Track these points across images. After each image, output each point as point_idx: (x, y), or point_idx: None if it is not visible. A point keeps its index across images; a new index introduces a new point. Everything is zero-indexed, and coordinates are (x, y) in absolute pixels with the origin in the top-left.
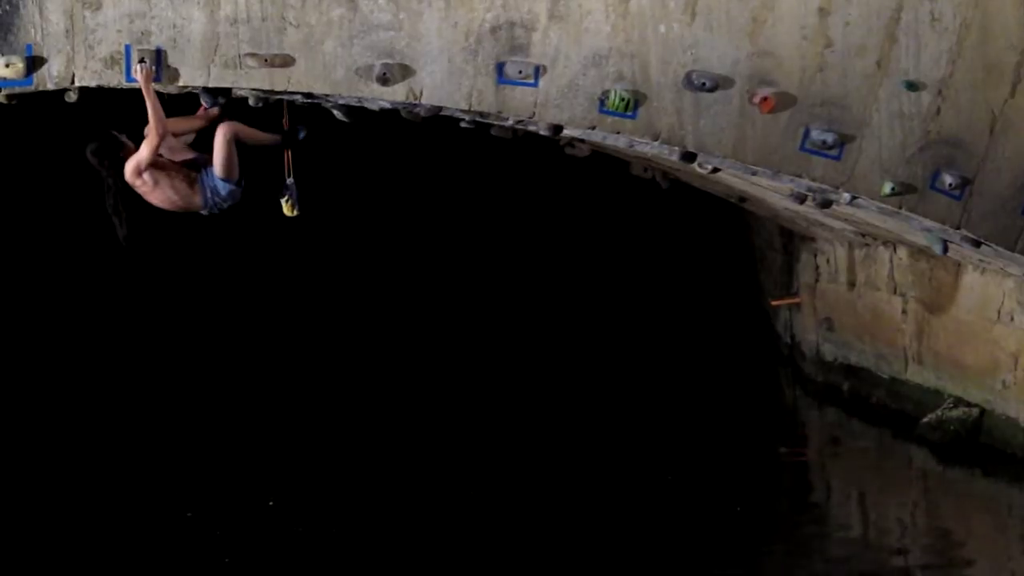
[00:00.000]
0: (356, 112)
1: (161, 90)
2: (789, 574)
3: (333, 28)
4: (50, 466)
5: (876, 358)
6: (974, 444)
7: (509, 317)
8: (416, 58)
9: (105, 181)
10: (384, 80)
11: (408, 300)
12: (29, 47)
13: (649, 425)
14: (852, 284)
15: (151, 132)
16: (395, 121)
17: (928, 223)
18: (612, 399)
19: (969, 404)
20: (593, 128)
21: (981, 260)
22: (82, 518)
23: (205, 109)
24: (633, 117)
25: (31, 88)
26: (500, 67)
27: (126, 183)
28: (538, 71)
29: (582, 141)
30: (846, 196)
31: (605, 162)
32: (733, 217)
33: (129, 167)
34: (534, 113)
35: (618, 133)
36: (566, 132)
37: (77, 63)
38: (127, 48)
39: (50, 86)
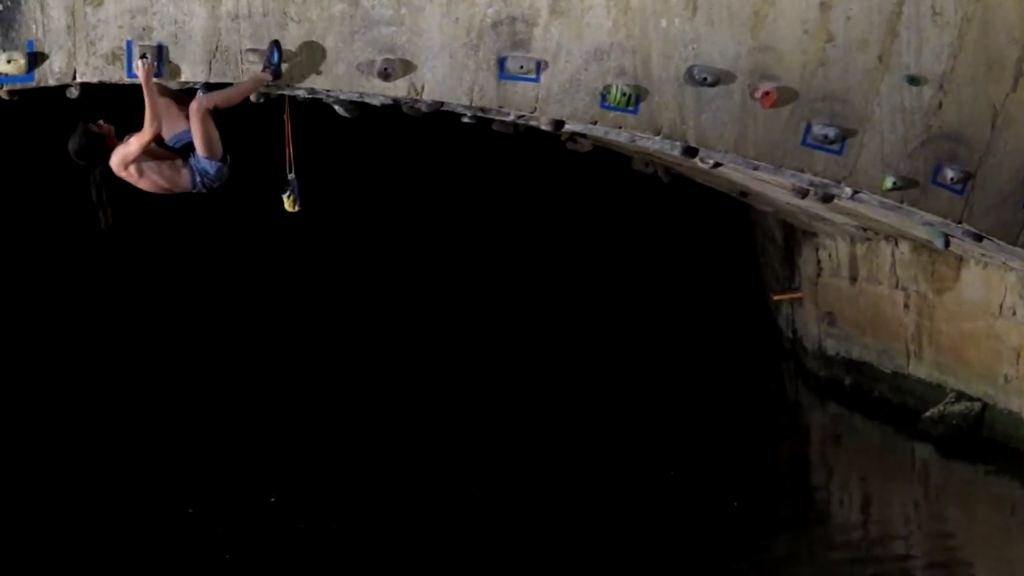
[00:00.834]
0: (358, 108)
1: (164, 85)
2: (791, 568)
3: (335, 23)
4: (50, 462)
5: (878, 353)
6: (976, 438)
7: (511, 314)
8: (417, 53)
9: (92, 174)
10: (385, 75)
11: (409, 294)
12: (31, 43)
13: (651, 420)
14: (854, 279)
15: (145, 129)
16: (396, 117)
17: (930, 217)
18: (614, 393)
19: (971, 398)
20: (595, 123)
21: (983, 254)
22: (84, 514)
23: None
24: (635, 112)
25: (33, 84)
26: (501, 62)
27: (111, 173)
28: (539, 66)
29: (584, 136)
30: (848, 191)
31: (607, 157)
32: (735, 212)
33: (115, 160)
34: (535, 108)
35: (620, 128)
36: (568, 127)
37: (79, 59)
38: (128, 44)
39: (52, 82)
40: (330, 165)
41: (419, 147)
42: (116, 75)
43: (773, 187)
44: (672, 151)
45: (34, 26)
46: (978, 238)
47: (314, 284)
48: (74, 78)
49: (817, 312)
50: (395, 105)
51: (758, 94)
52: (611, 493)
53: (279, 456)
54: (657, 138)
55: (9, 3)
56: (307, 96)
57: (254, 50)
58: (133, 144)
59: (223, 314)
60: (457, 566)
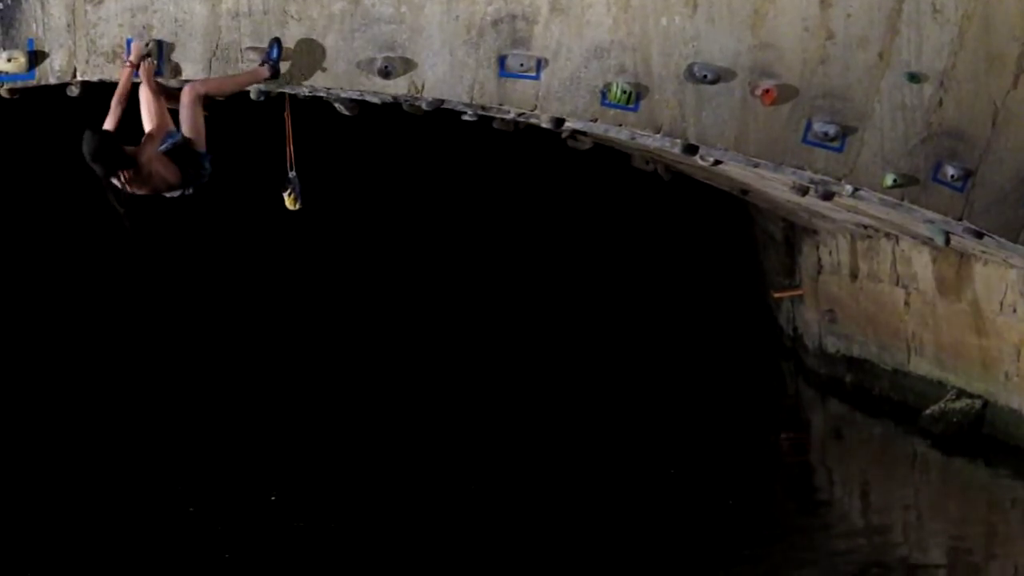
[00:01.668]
0: (358, 105)
1: (164, 83)
2: (792, 566)
3: (335, 21)
4: (52, 462)
5: (879, 350)
6: (977, 436)
7: (512, 310)
8: (418, 51)
9: (104, 179)
10: (386, 73)
11: (410, 293)
12: (31, 41)
13: (652, 418)
14: (854, 276)
15: (159, 126)
16: (397, 114)
17: (930, 215)
18: (615, 392)
19: (972, 396)
20: (595, 121)
21: (983, 252)
22: (84, 513)
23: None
24: (635, 110)
25: (33, 82)
26: (502, 60)
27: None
28: (540, 64)
29: (584, 134)
30: (848, 188)
31: (607, 155)
32: (735, 209)
33: (142, 160)
34: (536, 106)
35: (620, 126)
36: (568, 125)
37: (79, 57)
38: (129, 42)
39: (52, 80)
40: (331, 163)
41: (419, 144)
42: (117, 73)
43: (774, 184)
44: (673, 149)
45: (34, 24)
46: (979, 235)
47: (315, 283)
48: (75, 76)
49: (818, 309)
50: (396, 103)
51: (758, 91)
52: (611, 491)
53: (280, 455)
54: (657, 136)
55: (9, 1)
56: (308, 94)
57: (255, 48)
58: (153, 141)
59: (223, 313)
60: (457, 565)
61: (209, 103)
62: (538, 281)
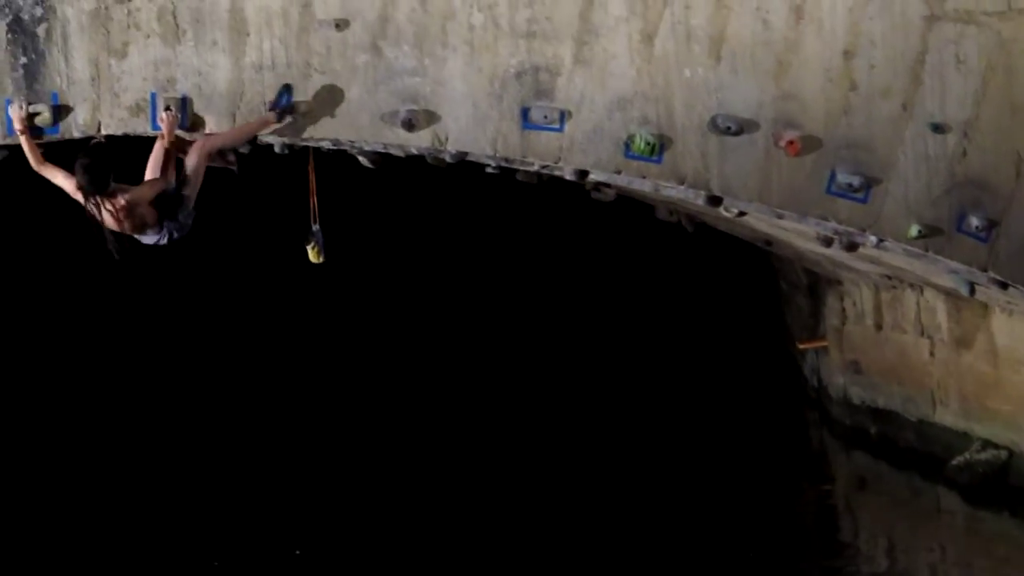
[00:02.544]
0: (381, 158)
1: (186, 137)
2: None
3: (358, 74)
4: (76, 519)
5: (903, 400)
6: (1003, 486)
7: (536, 360)
8: (441, 103)
9: (90, 200)
10: (409, 126)
11: (436, 345)
12: (55, 95)
13: (676, 467)
14: (879, 326)
15: (159, 179)
16: (420, 167)
17: (954, 265)
18: (639, 441)
19: (997, 446)
20: (619, 172)
21: (1008, 302)
22: (106, 566)
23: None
24: (658, 161)
25: (57, 136)
26: (525, 112)
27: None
28: (563, 115)
29: (608, 185)
30: (873, 239)
31: (631, 206)
32: (759, 260)
33: (126, 200)
34: (559, 158)
35: (643, 177)
36: (592, 176)
37: (103, 111)
38: (152, 96)
39: (76, 134)
40: (353, 216)
41: (442, 197)
42: (140, 127)
43: (797, 235)
44: (696, 200)
45: (58, 78)
46: (1003, 286)
47: (341, 330)
48: (99, 130)
49: (842, 360)
50: (419, 155)
51: (782, 142)
52: (636, 542)
53: (307, 507)
54: (681, 187)
55: (34, 55)
56: (331, 147)
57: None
58: (148, 190)
59: (244, 356)
60: None
61: (234, 157)
62: (563, 332)
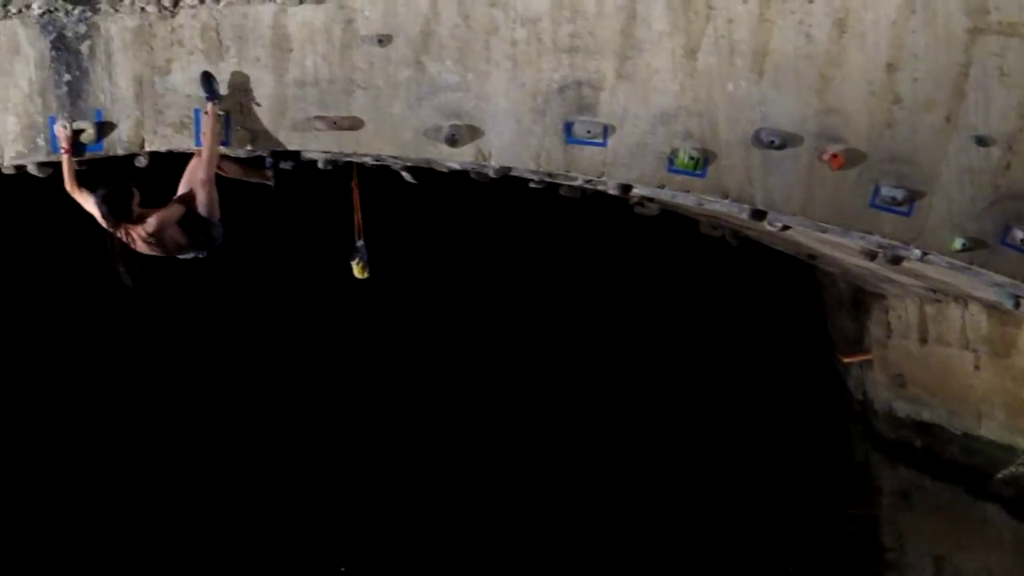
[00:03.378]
0: (424, 173)
1: (231, 154)
2: None
3: (401, 90)
4: (85, 524)
5: (948, 414)
6: None
7: (582, 373)
8: (484, 119)
9: (110, 230)
10: (452, 141)
11: (477, 359)
12: (98, 112)
13: (721, 481)
14: (923, 340)
15: (177, 201)
16: (463, 182)
17: (999, 278)
18: (684, 454)
19: None
20: (662, 187)
21: None
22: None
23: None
24: (702, 175)
25: (101, 153)
26: (568, 127)
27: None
28: (606, 130)
29: (651, 200)
30: (917, 252)
31: (675, 221)
32: (803, 274)
33: (152, 225)
34: (603, 172)
35: (687, 191)
36: (635, 191)
37: (146, 127)
38: (196, 112)
39: (120, 151)
40: (398, 231)
41: (486, 212)
42: (184, 143)
43: (841, 249)
44: (740, 214)
45: (102, 95)
46: None
47: (384, 347)
48: (142, 147)
49: (886, 374)
50: (462, 171)
51: (826, 156)
52: (678, 553)
53: (348, 524)
54: (725, 201)
55: (77, 73)
56: (374, 163)
57: (321, 117)
58: (170, 212)
59: (268, 379)
60: None
61: (271, 173)
62: (608, 346)
